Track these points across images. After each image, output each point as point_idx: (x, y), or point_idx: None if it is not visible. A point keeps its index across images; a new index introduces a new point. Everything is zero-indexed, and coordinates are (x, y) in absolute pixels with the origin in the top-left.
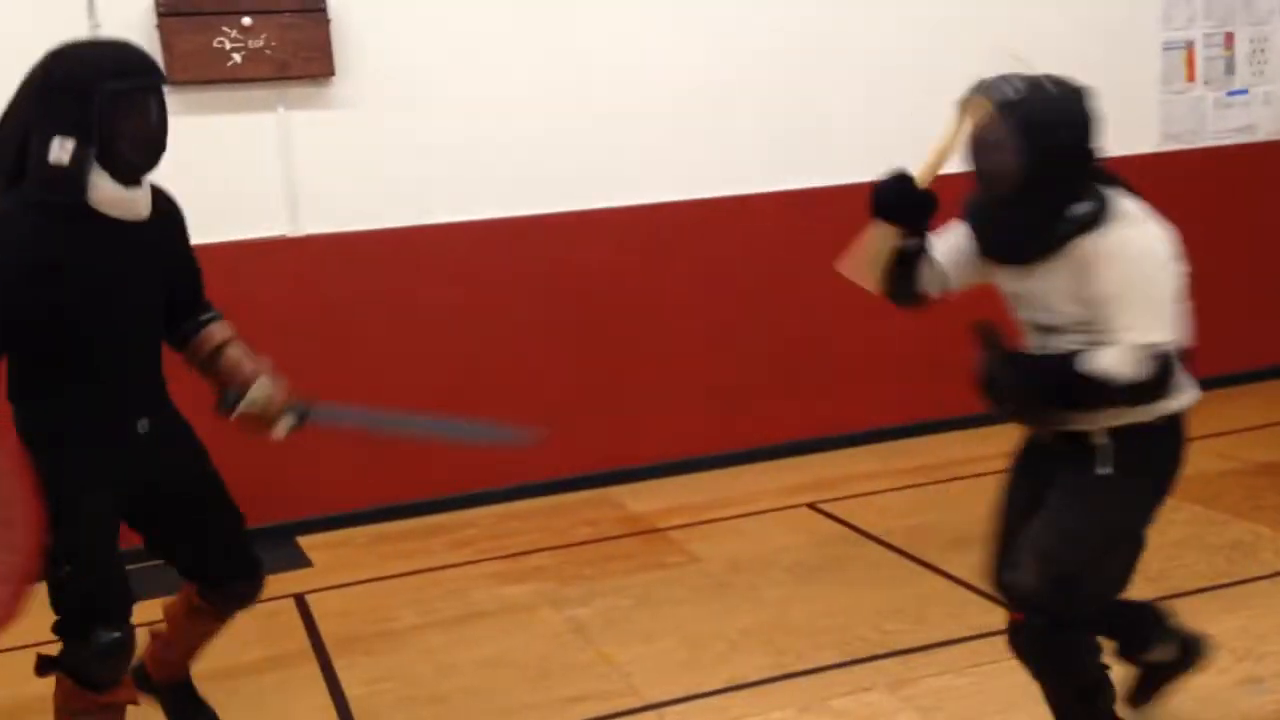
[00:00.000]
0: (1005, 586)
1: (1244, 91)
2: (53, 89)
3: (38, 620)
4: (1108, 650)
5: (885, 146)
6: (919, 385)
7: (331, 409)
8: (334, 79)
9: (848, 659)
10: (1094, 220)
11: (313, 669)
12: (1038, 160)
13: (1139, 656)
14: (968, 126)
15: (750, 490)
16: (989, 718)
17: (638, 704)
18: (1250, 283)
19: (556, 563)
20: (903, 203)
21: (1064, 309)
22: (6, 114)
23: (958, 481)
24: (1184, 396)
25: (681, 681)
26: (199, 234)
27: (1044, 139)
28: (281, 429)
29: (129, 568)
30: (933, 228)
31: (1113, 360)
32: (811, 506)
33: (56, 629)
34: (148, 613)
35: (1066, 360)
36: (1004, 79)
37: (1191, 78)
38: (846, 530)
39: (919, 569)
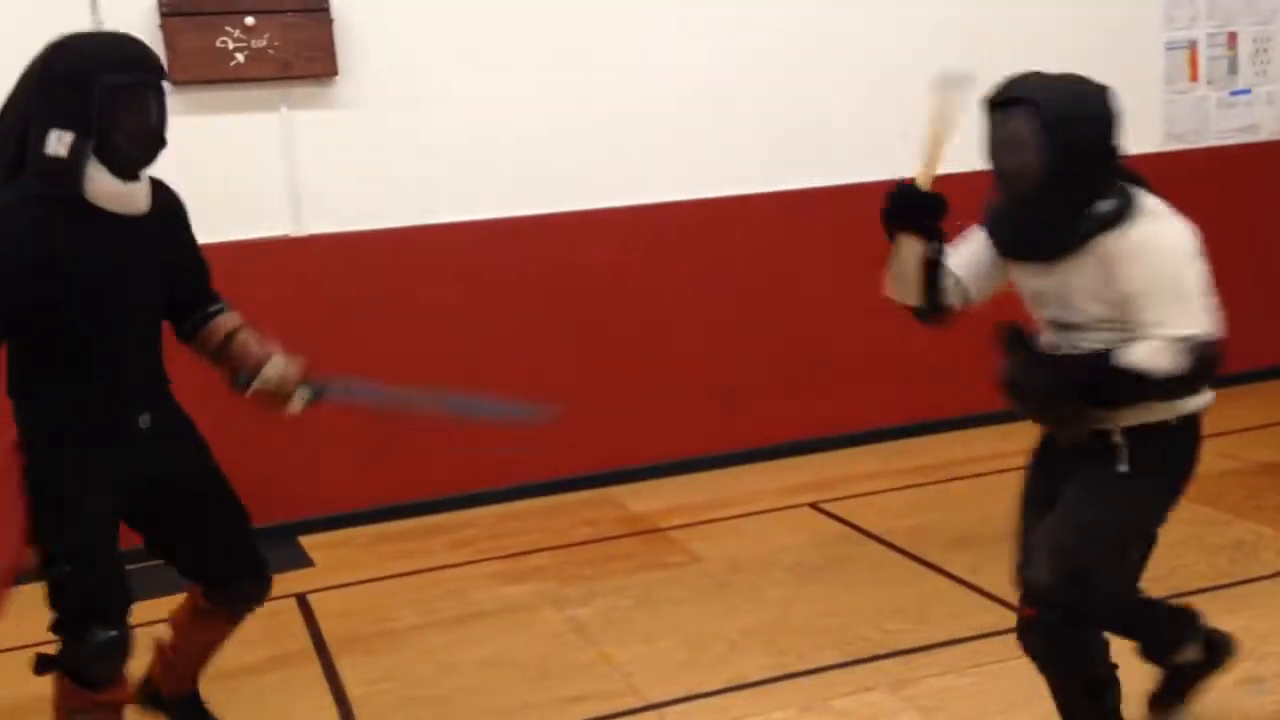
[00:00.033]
0: (1022, 582)
1: (1247, 91)
2: (52, 81)
3: (38, 620)
4: (1122, 650)
5: (885, 146)
6: (920, 385)
7: (347, 386)
8: (337, 79)
9: (849, 659)
10: (1118, 217)
11: (314, 669)
12: (1060, 158)
13: (1168, 658)
14: (943, 121)
15: (751, 490)
16: (990, 718)
17: (638, 704)
18: (1253, 283)
19: (557, 562)
20: (913, 210)
21: (1086, 307)
22: (7, 106)
23: (958, 481)
24: (1201, 397)
25: (682, 681)
26: (202, 234)
27: (1065, 136)
28: (297, 404)
29: (129, 568)
30: (945, 228)
31: (1148, 354)
32: (813, 506)
33: (54, 627)
34: (148, 612)
35: (1098, 357)
36: (1022, 77)
37: (1194, 77)
38: (847, 530)
39: (920, 569)
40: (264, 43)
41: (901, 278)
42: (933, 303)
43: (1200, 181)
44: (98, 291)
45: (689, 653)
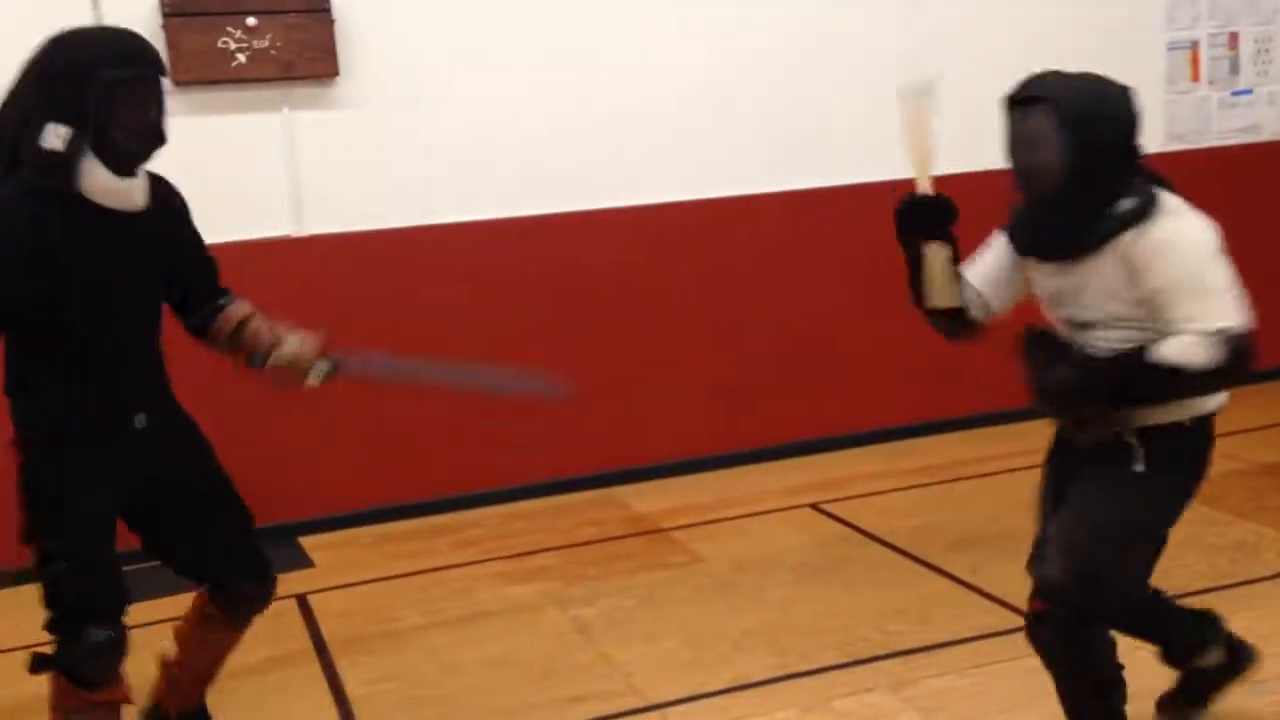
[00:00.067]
0: (1034, 577)
1: (1248, 91)
2: (51, 75)
3: (36, 620)
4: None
5: (886, 146)
6: (924, 385)
7: (364, 360)
8: (338, 79)
9: (850, 660)
10: (1139, 216)
11: (314, 669)
12: (1079, 157)
13: (1190, 661)
14: (918, 128)
15: (754, 490)
16: (991, 718)
17: (640, 704)
18: (1254, 283)
19: (561, 563)
20: (927, 218)
21: (1105, 305)
22: (6, 100)
23: (962, 482)
24: (1215, 398)
25: (684, 682)
26: (203, 235)
27: (1085, 135)
28: (315, 377)
29: (127, 568)
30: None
31: (1181, 349)
32: (813, 507)
33: (48, 627)
34: (146, 613)
35: (1130, 356)
36: (1041, 76)
37: (1196, 78)
38: (850, 531)
39: (922, 570)
40: (266, 43)
41: (939, 283)
42: (960, 313)
43: (1201, 182)
44: (95, 288)
45: (691, 653)
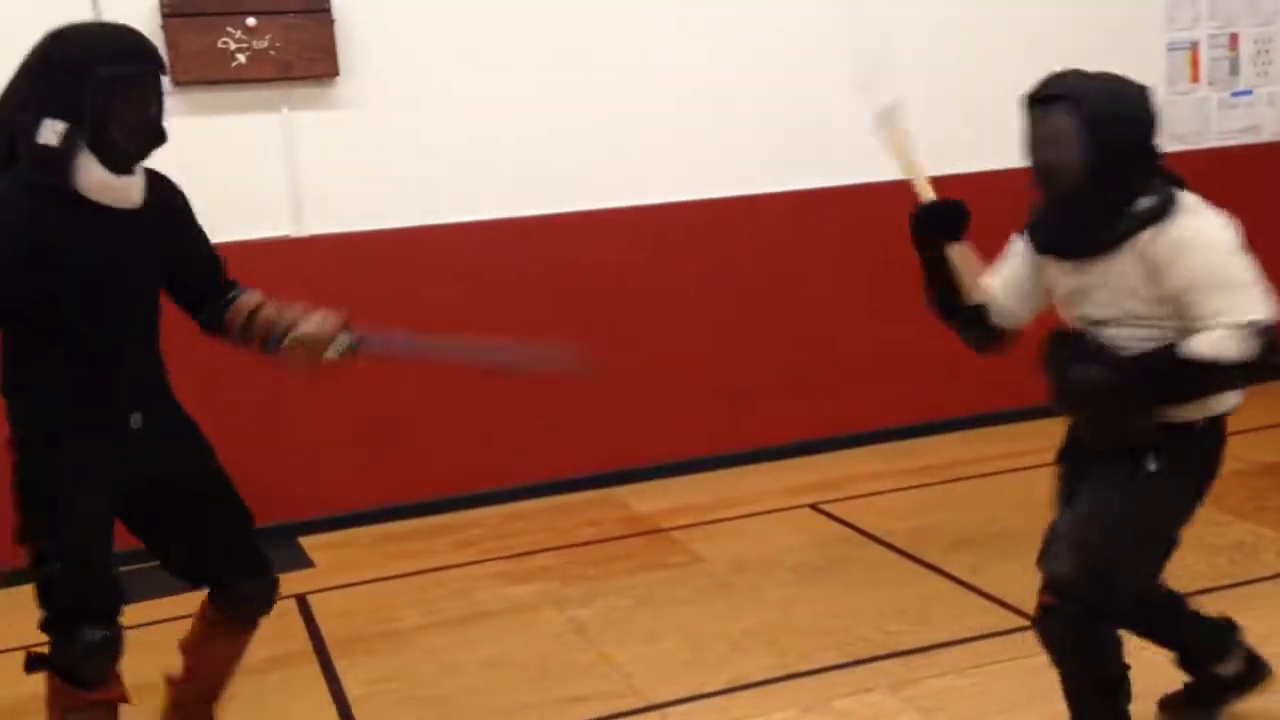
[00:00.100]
0: (1044, 572)
1: (1248, 92)
2: (49, 69)
3: (33, 619)
4: (1133, 650)
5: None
6: (924, 385)
7: (384, 337)
8: (338, 79)
9: (850, 660)
10: (1158, 215)
11: (314, 669)
12: (1099, 156)
13: (1209, 669)
14: (899, 148)
15: (755, 490)
16: (991, 718)
17: (640, 704)
18: None
19: (560, 563)
20: (943, 223)
21: (1122, 303)
22: (5, 94)
23: (962, 482)
24: (1228, 399)
25: (684, 682)
26: None
27: (1105, 134)
28: (334, 351)
29: (126, 568)
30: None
31: (1213, 343)
32: (814, 507)
33: (43, 626)
34: (144, 613)
35: (1163, 352)
36: (1061, 74)
37: (1196, 78)
38: (850, 531)
39: (922, 570)
40: (265, 43)
41: (972, 281)
42: (986, 320)
43: (1201, 183)
44: (90, 286)
45: (691, 653)
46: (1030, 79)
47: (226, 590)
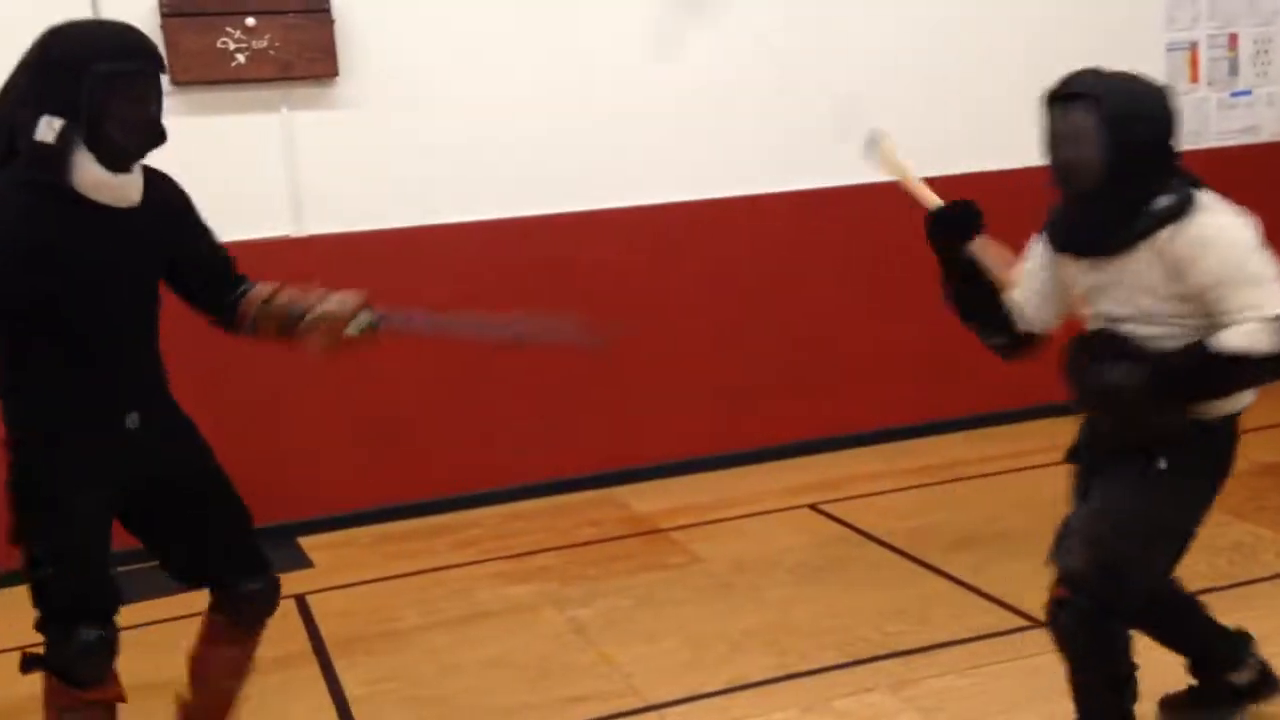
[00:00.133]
0: (1057, 566)
1: (1248, 93)
2: (47, 66)
3: (29, 619)
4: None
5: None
6: (924, 385)
7: (405, 315)
8: (338, 79)
9: (850, 660)
10: (1176, 213)
11: (313, 669)
12: (1118, 155)
13: (1221, 676)
14: (894, 166)
15: (754, 491)
16: (991, 718)
17: (639, 704)
18: None
19: (560, 563)
20: (958, 225)
21: (1138, 301)
22: (4, 90)
23: (962, 482)
24: (1243, 397)
25: (683, 682)
26: None
27: (1124, 134)
28: (355, 328)
29: (125, 569)
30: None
31: (1243, 336)
32: (813, 507)
33: (39, 626)
34: (142, 614)
35: (1192, 348)
36: (1081, 73)
37: (1195, 79)
38: (849, 531)
39: (922, 570)
40: (265, 43)
41: (1007, 272)
42: (1010, 330)
43: None
44: (87, 285)
45: (690, 653)
46: (1030, 79)
47: (227, 592)
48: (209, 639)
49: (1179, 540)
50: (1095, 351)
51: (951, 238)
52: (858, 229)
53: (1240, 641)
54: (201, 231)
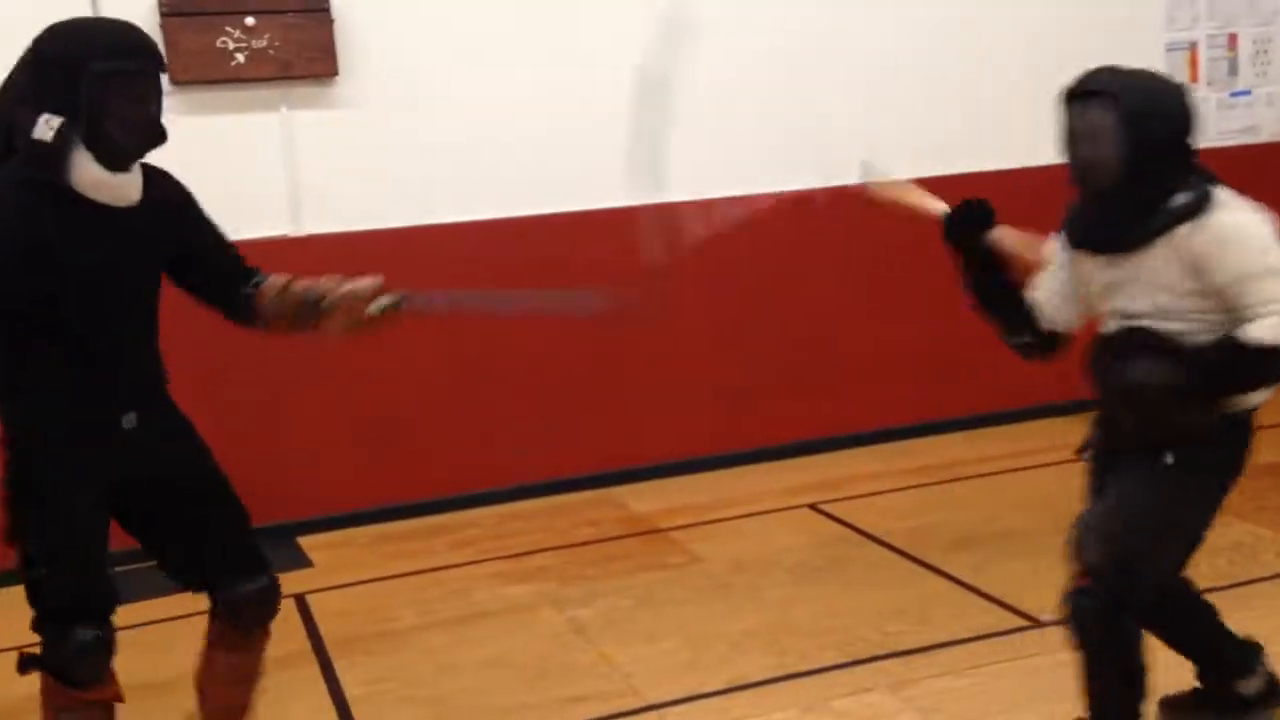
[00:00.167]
0: (1078, 559)
1: (1247, 93)
2: (45, 64)
3: (26, 619)
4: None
5: (886, 147)
6: (924, 385)
7: (426, 295)
8: (337, 79)
9: (849, 660)
10: (1193, 210)
11: (312, 669)
12: (1137, 152)
13: (1230, 684)
14: (889, 189)
15: (754, 490)
16: (991, 718)
17: (639, 704)
18: None
19: (559, 563)
20: (974, 222)
21: (1154, 298)
22: (3, 88)
23: (962, 482)
24: (1256, 395)
25: (683, 682)
26: None
27: (1142, 131)
28: (375, 308)
29: (123, 569)
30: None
31: (1271, 328)
32: (813, 507)
33: (35, 626)
34: (140, 614)
35: (1221, 341)
36: (1098, 71)
37: (1195, 79)
38: (849, 531)
39: (921, 570)
40: (264, 43)
41: (1035, 256)
42: (1033, 329)
43: None
44: (85, 284)
45: (690, 653)
46: (1030, 79)
47: (225, 594)
48: (211, 646)
49: (1190, 535)
50: (1119, 349)
51: (970, 229)
52: (858, 229)
53: (1251, 650)
54: (205, 225)
